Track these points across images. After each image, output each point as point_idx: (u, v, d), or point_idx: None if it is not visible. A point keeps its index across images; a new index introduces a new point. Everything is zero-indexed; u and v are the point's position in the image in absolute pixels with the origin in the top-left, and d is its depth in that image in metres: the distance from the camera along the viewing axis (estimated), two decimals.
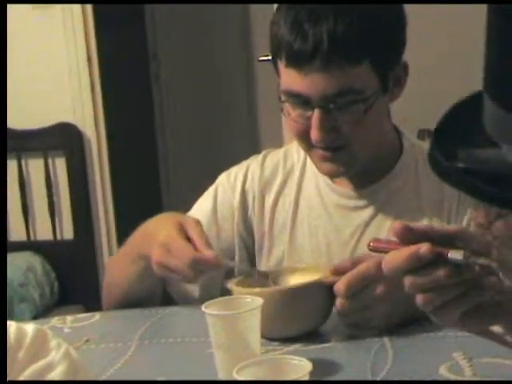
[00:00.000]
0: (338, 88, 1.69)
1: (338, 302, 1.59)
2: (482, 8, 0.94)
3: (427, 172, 1.83)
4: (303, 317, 1.66)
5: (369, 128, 1.75)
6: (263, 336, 1.52)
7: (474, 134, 0.99)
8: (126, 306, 1.92)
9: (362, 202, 1.87)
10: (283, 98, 1.75)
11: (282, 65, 1.73)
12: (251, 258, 1.95)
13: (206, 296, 1.80)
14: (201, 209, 1.95)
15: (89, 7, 3.77)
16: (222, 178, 1.98)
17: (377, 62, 1.71)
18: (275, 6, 1.84)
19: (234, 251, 1.94)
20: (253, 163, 1.98)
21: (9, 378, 1.42)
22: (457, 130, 1.04)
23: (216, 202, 1.96)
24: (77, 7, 3.74)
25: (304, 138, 1.77)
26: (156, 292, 1.94)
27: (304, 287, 1.65)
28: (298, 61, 1.69)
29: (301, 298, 1.63)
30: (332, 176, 1.86)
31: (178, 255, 1.66)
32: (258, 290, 1.66)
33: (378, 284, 1.56)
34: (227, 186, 1.95)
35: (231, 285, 1.70)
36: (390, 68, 1.76)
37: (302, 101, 1.72)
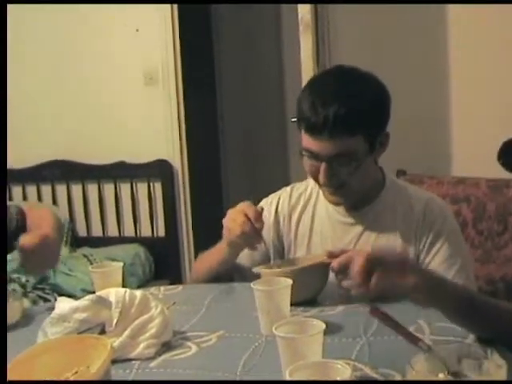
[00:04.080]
0: (338, 151, 1.70)
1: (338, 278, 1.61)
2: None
3: (402, 201, 1.84)
4: (310, 287, 1.68)
5: (359, 176, 1.75)
6: None
7: None
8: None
9: (355, 220, 1.86)
10: (303, 152, 1.76)
11: (302, 130, 1.75)
12: (281, 253, 1.95)
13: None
14: None
15: (180, 83, 3.80)
16: (262, 203, 1.96)
17: (367, 134, 1.72)
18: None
19: (270, 249, 1.94)
20: (283, 193, 1.99)
21: (122, 327, 1.44)
22: None
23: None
24: (173, 84, 3.77)
25: (315, 179, 1.79)
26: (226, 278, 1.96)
27: (310, 266, 1.68)
28: (312, 130, 1.70)
29: (306, 275, 1.65)
30: (335, 204, 1.88)
31: (247, 211, 1.71)
32: (277, 269, 1.71)
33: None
34: (267, 210, 1.93)
35: (261, 269, 1.73)
36: (376, 137, 1.76)
37: (314, 156, 1.73)
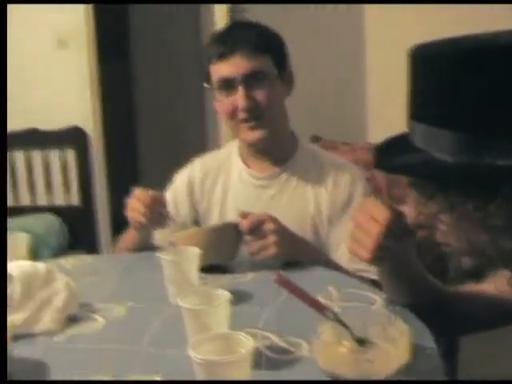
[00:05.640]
0: (251, 69, 1.75)
1: (246, 239, 1.64)
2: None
3: (314, 165, 1.86)
4: (221, 248, 1.66)
5: (275, 104, 1.79)
6: None
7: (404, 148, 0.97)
8: None
9: (267, 183, 1.87)
10: (217, 86, 1.80)
11: (213, 61, 1.79)
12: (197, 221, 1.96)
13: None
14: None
15: (94, 47, 3.70)
16: (177, 176, 1.99)
17: (275, 57, 1.79)
18: None
19: (188, 224, 1.93)
20: (196, 162, 1.99)
21: (25, 301, 1.39)
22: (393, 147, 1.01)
23: (174, 192, 1.97)
24: (86, 48, 3.67)
25: (233, 115, 1.79)
26: None
27: (220, 226, 1.69)
28: (224, 54, 1.76)
29: (217, 235, 1.65)
30: (257, 143, 1.84)
31: (142, 199, 1.71)
32: (186, 231, 1.71)
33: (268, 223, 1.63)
34: (180, 181, 1.96)
35: (173, 234, 1.71)
36: (283, 65, 1.82)
37: (230, 83, 1.76)
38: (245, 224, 1.62)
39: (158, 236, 1.85)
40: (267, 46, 1.79)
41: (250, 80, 1.75)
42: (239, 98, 1.75)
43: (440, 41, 0.92)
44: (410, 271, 1.31)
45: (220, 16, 3.29)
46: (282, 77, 1.82)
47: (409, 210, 1.02)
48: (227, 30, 1.89)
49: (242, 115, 1.77)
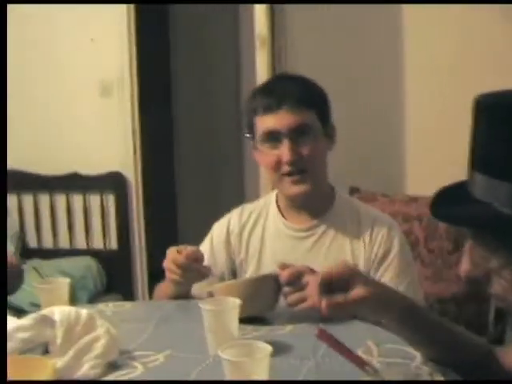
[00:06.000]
0: (297, 123, 1.77)
1: (285, 290, 1.61)
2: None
3: (351, 217, 1.85)
4: (260, 300, 1.64)
5: (318, 158, 1.82)
6: None
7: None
8: None
9: (305, 235, 1.87)
10: (261, 140, 1.81)
11: (259, 116, 1.80)
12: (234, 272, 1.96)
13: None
14: (203, 248, 1.91)
15: (136, 95, 3.77)
16: (215, 226, 1.99)
17: (319, 112, 1.81)
18: None
19: (223, 270, 1.94)
20: (234, 213, 1.98)
21: (67, 346, 1.40)
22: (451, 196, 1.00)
23: (212, 242, 1.97)
24: (128, 96, 3.74)
25: (277, 169, 1.80)
26: None
27: (259, 278, 1.68)
28: (270, 108, 1.78)
29: (257, 286, 1.64)
30: (299, 197, 1.84)
31: (176, 261, 1.70)
32: (226, 282, 1.72)
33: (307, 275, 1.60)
34: (218, 231, 1.96)
35: (211, 285, 1.73)
36: (326, 119, 1.85)
37: (275, 136, 1.78)
38: (284, 275, 1.62)
39: (197, 287, 1.86)
40: (312, 100, 1.81)
41: (296, 134, 1.78)
42: (284, 151, 1.77)
43: (505, 91, 0.92)
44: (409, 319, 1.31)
45: (261, 67, 3.32)
46: (325, 131, 1.84)
47: (465, 264, 0.99)
48: (273, 82, 1.93)
49: (286, 168, 1.79)
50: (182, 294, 1.85)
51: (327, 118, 1.86)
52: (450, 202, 0.98)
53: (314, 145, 1.79)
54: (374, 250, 1.81)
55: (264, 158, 1.82)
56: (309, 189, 1.81)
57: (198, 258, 1.72)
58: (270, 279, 1.64)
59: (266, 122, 1.79)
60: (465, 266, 0.99)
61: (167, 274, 1.75)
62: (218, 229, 1.97)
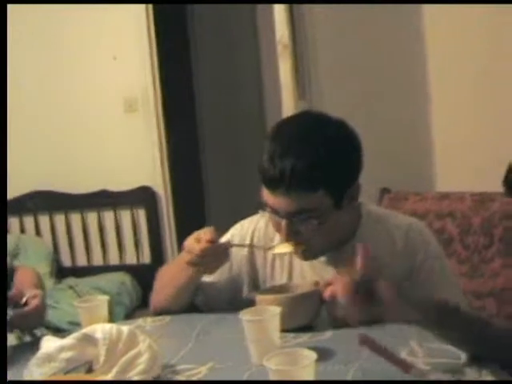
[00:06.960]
0: (297, 208, 1.57)
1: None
2: None
3: (381, 232, 1.76)
4: (305, 314, 1.64)
5: (323, 233, 1.63)
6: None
7: None
8: (169, 313, 1.87)
9: (333, 259, 1.74)
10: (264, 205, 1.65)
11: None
12: (256, 284, 1.85)
13: (212, 303, 1.84)
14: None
15: (160, 109, 3.79)
16: (236, 229, 1.87)
17: (331, 189, 1.58)
18: None
19: (242, 278, 1.85)
20: (260, 221, 1.84)
21: (110, 363, 1.40)
22: None
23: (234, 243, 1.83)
24: (153, 111, 3.76)
25: (278, 231, 1.68)
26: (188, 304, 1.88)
27: (303, 294, 1.66)
28: (269, 184, 1.58)
29: (302, 301, 1.63)
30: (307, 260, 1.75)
31: (199, 240, 1.65)
32: (277, 296, 1.66)
33: None
34: (239, 237, 1.84)
35: (256, 295, 1.69)
36: (343, 192, 1.62)
37: (274, 211, 1.62)
38: (327, 294, 1.55)
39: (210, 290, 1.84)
40: (321, 179, 1.56)
41: (294, 215, 1.59)
42: (282, 231, 1.63)
43: None
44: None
45: (284, 74, 3.30)
46: (339, 205, 1.62)
47: None
48: (285, 142, 1.59)
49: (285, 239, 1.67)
50: (195, 280, 1.79)
51: (345, 192, 1.62)
52: None
53: (319, 224, 1.60)
54: (409, 262, 1.74)
55: (269, 217, 1.70)
56: (311, 257, 1.72)
57: (220, 248, 1.68)
58: (315, 295, 1.62)
59: (266, 195, 1.62)
60: None
61: (186, 255, 1.69)
62: (240, 235, 1.85)
